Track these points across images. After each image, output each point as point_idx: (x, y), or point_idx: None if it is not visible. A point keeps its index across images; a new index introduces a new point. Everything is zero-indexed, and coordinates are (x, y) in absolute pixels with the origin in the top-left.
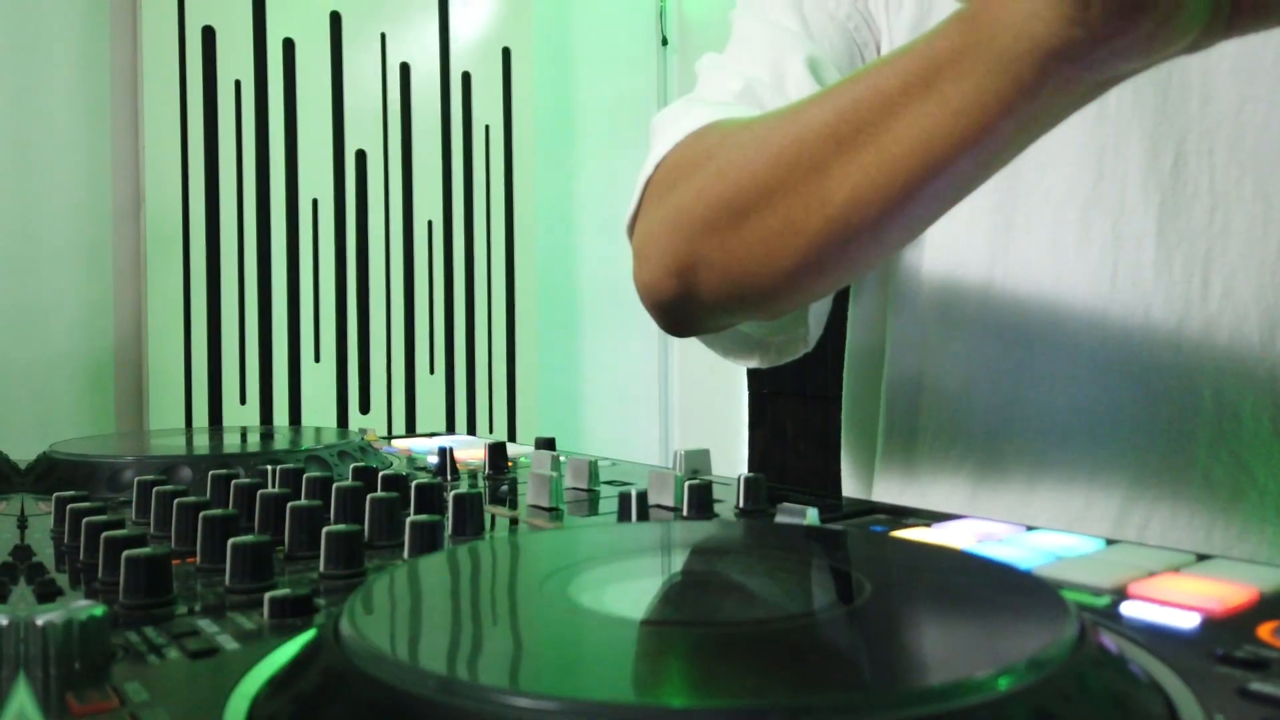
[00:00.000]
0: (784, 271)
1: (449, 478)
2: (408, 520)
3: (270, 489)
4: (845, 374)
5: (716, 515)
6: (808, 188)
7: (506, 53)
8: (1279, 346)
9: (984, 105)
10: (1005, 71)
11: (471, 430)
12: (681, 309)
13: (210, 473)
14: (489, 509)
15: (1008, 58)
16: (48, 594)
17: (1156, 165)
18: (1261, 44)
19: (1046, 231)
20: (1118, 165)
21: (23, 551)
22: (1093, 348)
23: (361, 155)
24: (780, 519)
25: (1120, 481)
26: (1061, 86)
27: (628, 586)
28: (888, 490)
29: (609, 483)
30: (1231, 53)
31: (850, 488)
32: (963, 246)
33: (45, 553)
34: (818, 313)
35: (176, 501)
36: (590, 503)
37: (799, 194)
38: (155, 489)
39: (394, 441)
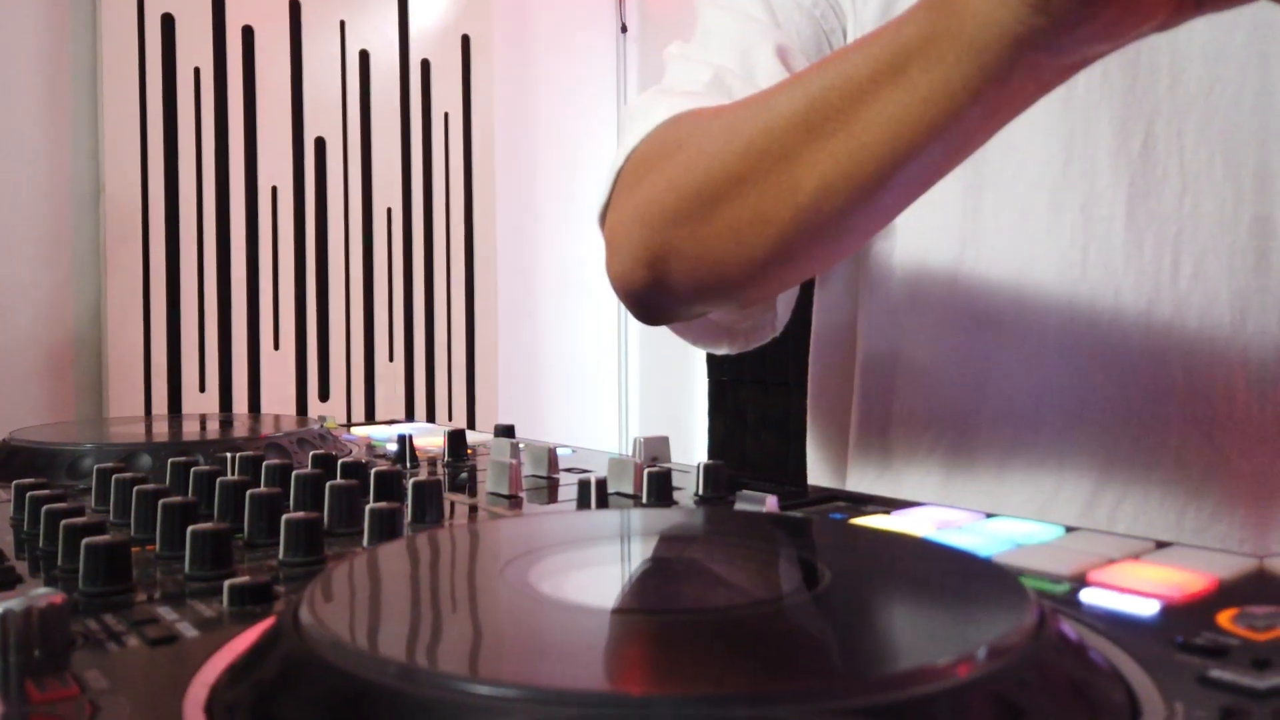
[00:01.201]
0: (755, 261)
1: (408, 465)
2: (367, 508)
3: (229, 476)
4: (811, 360)
5: (676, 503)
6: (778, 176)
7: (466, 40)
8: (1249, 327)
9: (952, 92)
10: (973, 59)
11: (431, 418)
12: (653, 298)
13: (170, 460)
14: (448, 496)
15: (976, 45)
16: (7, 581)
17: (1126, 147)
18: (1231, 25)
19: (1016, 214)
20: (1087, 147)
21: None
22: (1062, 330)
23: (321, 143)
24: (740, 506)
25: (1092, 464)
26: (1029, 72)
27: (587, 574)
28: (863, 475)
29: (568, 470)
30: (1201, 34)
31: (818, 474)
32: (933, 230)
33: (5, 540)
34: (786, 298)
35: (136, 489)
36: (549, 490)
37: (769, 183)
38: (114, 476)
39: (353, 429)
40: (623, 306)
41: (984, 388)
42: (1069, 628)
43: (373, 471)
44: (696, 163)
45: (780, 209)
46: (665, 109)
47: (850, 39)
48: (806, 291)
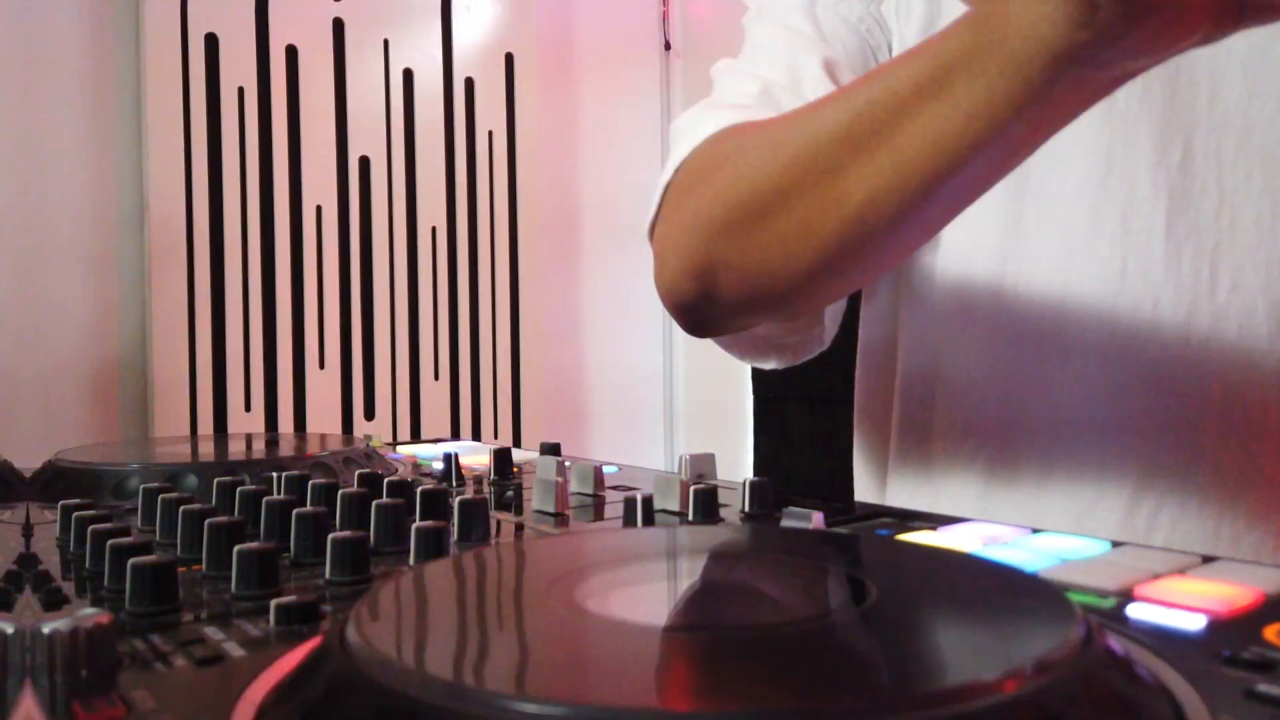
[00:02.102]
0: (802, 273)
1: (454, 484)
2: (413, 526)
3: (276, 496)
4: (857, 372)
5: (722, 520)
6: (823, 189)
7: (509, 58)
8: None
9: (995, 107)
10: (1016, 73)
11: (476, 436)
12: (701, 310)
13: (216, 480)
14: (494, 515)
15: (1018, 60)
16: (54, 602)
17: (1165, 160)
18: (1271, 40)
19: (1056, 227)
20: (1126, 161)
21: (29, 559)
22: (1102, 341)
23: (365, 162)
24: (786, 523)
25: (1130, 473)
26: (1072, 86)
27: (633, 592)
28: (902, 487)
29: (614, 488)
30: (1241, 48)
31: (863, 485)
32: (974, 242)
33: (51, 561)
34: (833, 311)
35: (182, 509)
36: (596, 508)
37: (815, 196)
38: (161, 496)
39: (399, 448)
40: (669, 323)
41: (1024, 399)
42: (1115, 642)
43: (419, 490)
44: (744, 175)
45: (826, 221)
46: (713, 123)
47: (895, 54)
48: (853, 307)
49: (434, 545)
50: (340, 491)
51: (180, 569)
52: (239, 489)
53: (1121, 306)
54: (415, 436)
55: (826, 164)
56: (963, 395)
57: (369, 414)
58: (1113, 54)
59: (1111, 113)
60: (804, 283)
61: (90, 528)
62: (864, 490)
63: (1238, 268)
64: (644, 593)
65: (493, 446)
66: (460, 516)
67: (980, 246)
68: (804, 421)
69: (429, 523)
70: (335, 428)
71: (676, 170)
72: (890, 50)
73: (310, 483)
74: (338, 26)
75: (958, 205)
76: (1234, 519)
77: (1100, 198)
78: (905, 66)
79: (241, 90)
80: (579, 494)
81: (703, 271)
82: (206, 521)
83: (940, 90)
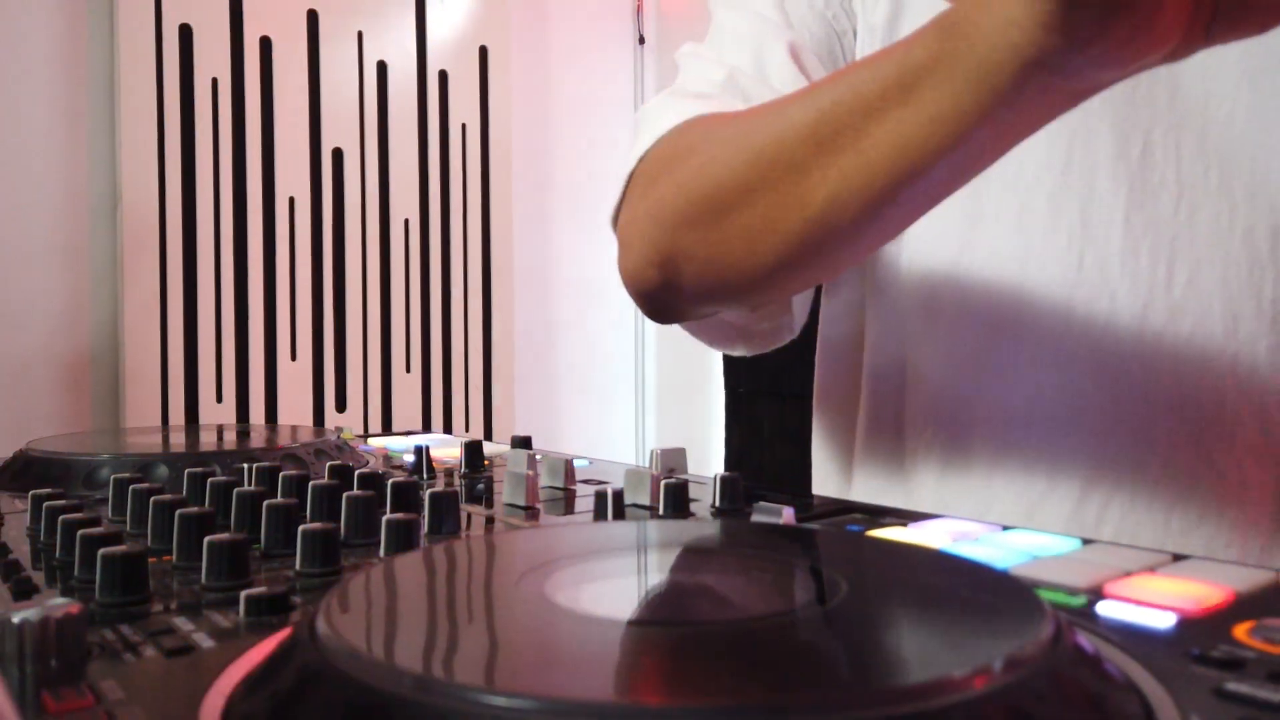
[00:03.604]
0: (763, 266)
1: (425, 476)
2: (384, 519)
3: (246, 487)
4: (818, 368)
5: (693, 514)
6: (787, 187)
7: (484, 51)
8: (1241, 335)
9: (961, 113)
10: (983, 80)
11: (448, 429)
12: (663, 298)
13: (186, 471)
14: (465, 508)
15: (986, 66)
16: (24, 592)
17: (1125, 154)
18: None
19: (1014, 217)
20: (1087, 153)
21: None
22: (1057, 332)
23: (338, 154)
24: (757, 518)
25: (1081, 465)
26: (1038, 95)
27: (603, 586)
28: (867, 480)
29: (585, 481)
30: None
31: (821, 477)
32: (935, 235)
33: (21, 550)
34: (802, 300)
35: (153, 499)
36: (566, 501)
37: (778, 193)
38: (131, 487)
39: (370, 440)
40: (640, 317)
41: (979, 389)
42: (1085, 640)
43: (389, 482)
44: (708, 169)
45: (789, 219)
46: (678, 113)
47: (860, 40)
48: (815, 302)
49: (404, 538)
50: (311, 483)
51: (150, 559)
52: (210, 480)
53: (1077, 298)
54: (386, 429)
55: (790, 162)
56: (924, 387)
57: (340, 406)
58: (1081, 62)
59: (1070, 111)
60: (766, 276)
61: (61, 518)
62: (824, 482)
63: (1195, 263)
64: (614, 587)
65: (464, 439)
66: (431, 509)
67: (941, 238)
68: (775, 416)
69: (400, 515)
70: (307, 419)
71: (641, 159)
72: (855, 36)
73: (281, 474)
74: (312, 18)
75: (920, 208)
76: (1184, 513)
77: (1060, 188)
78: (872, 69)
79: (215, 81)
80: (550, 487)
81: (665, 261)
82: (177, 512)
83: (907, 95)
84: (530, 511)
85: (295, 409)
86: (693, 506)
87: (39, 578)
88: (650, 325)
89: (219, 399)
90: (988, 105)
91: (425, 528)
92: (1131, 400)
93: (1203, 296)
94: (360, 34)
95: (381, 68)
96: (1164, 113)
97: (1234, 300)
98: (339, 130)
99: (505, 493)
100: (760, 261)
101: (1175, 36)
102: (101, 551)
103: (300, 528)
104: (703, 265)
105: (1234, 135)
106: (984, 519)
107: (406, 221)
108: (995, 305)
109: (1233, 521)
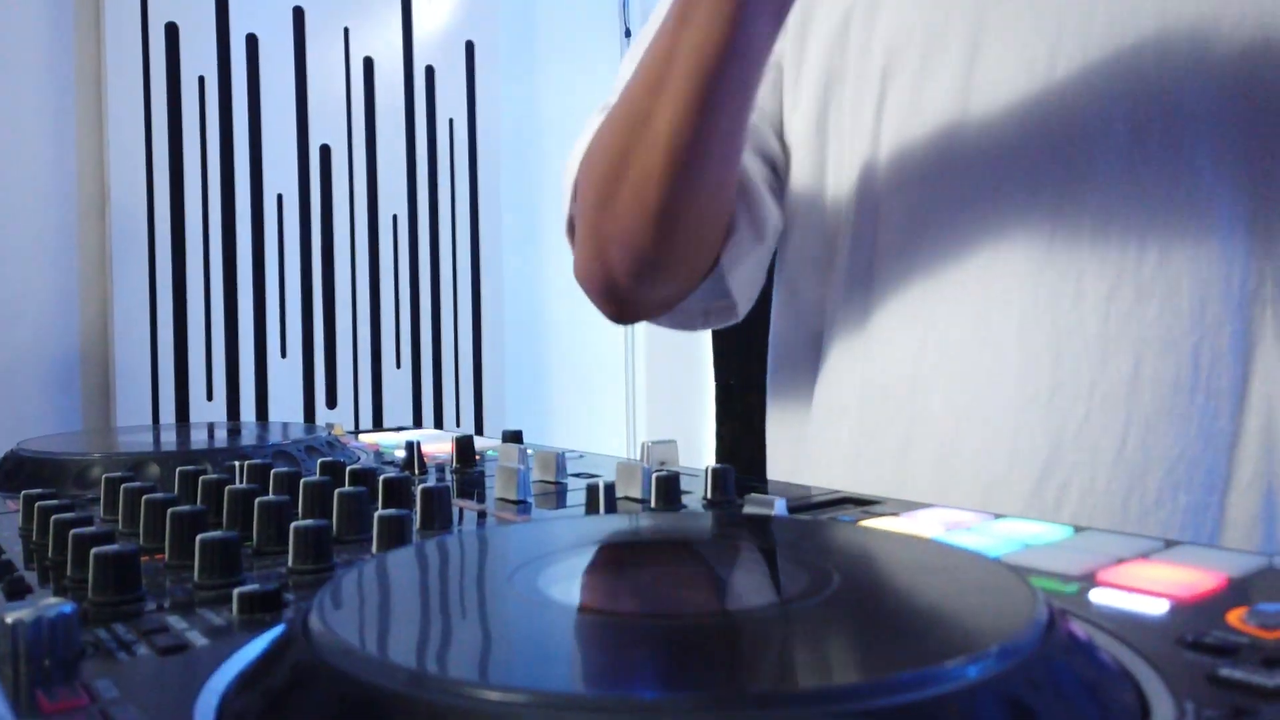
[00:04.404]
0: (654, 218)
1: (416, 472)
2: (376, 515)
3: (238, 485)
4: (770, 361)
5: (684, 507)
6: (644, 136)
7: (470, 46)
8: (1208, 319)
9: (718, 24)
10: (714, 5)
11: (439, 424)
12: (610, 292)
13: (178, 469)
14: (457, 503)
15: None
16: (16, 591)
17: (1110, 131)
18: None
19: (989, 195)
20: (1067, 134)
21: None
22: (1024, 313)
23: (326, 150)
24: (748, 510)
25: (1040, 447)
26: (745, 9)
27: (596, 579)
28: (819, 464)
29: (576, 475)
30: (1190, 15)
31: (779, 458)
32: (905, 210)
33: (13, 550)
34: (740, 282)
35: (144, 498)
36: (558, 495)
37: (641, 144)
38: (123, 486)
39: (361, 436)
40: None
41: (939, 368)
42: (1078, 628)
43: (381, 478)
44: (596, 154)
45: (656, 160)
46: (591, 126)
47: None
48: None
49: (396, 533)
50: (302, 480)
51: (143, 558)
52: (201, 478)
53: (1046, 278)
54: (377, 425)
55: (640, 114)
56: (883, 367)
57: (331, 402)
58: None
59: (1051, 77)
60: (663, 231)
61: (53, 517)
62: (778, 463)
63: (1168, 243)
64: (606, 580)
65: (455, 434)
66: (422, 505)
67: (911, 214)
68: (765, 409)
69: (391, 511)
70: (297, 416)
71: (575, 174)
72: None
73: (272, 471)
74: (298, 15)
75: (736, 105)
76: (1141, 496)
77: (1038, 165)
78: (665, 19)
79: (202, 79)
80: (541, 481)
81: (598, 252)
82: (169, 511)
83: (685, 24)
84: (522, 506)
85: (286, 406)
86: (684, 499)
87: (32, 578)
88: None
89: (209, 397)
90: (728, 14)
91: (417, 523)
92: (1090, 382)
93: (1172, 277)
94: (346, 30)
95: (368, 64)
96: (1153, 83)
97: (1204, 283)
98: (326, 127)
99: (497, 487)
100: (650, 214)
101: None
102: (94, 551)
103: (292, 525)
104: (619, 243)
105: (1216, 110)
106: (942, 502)
107: (395, 217)
108: (962, 281)
109: (1186, 505)
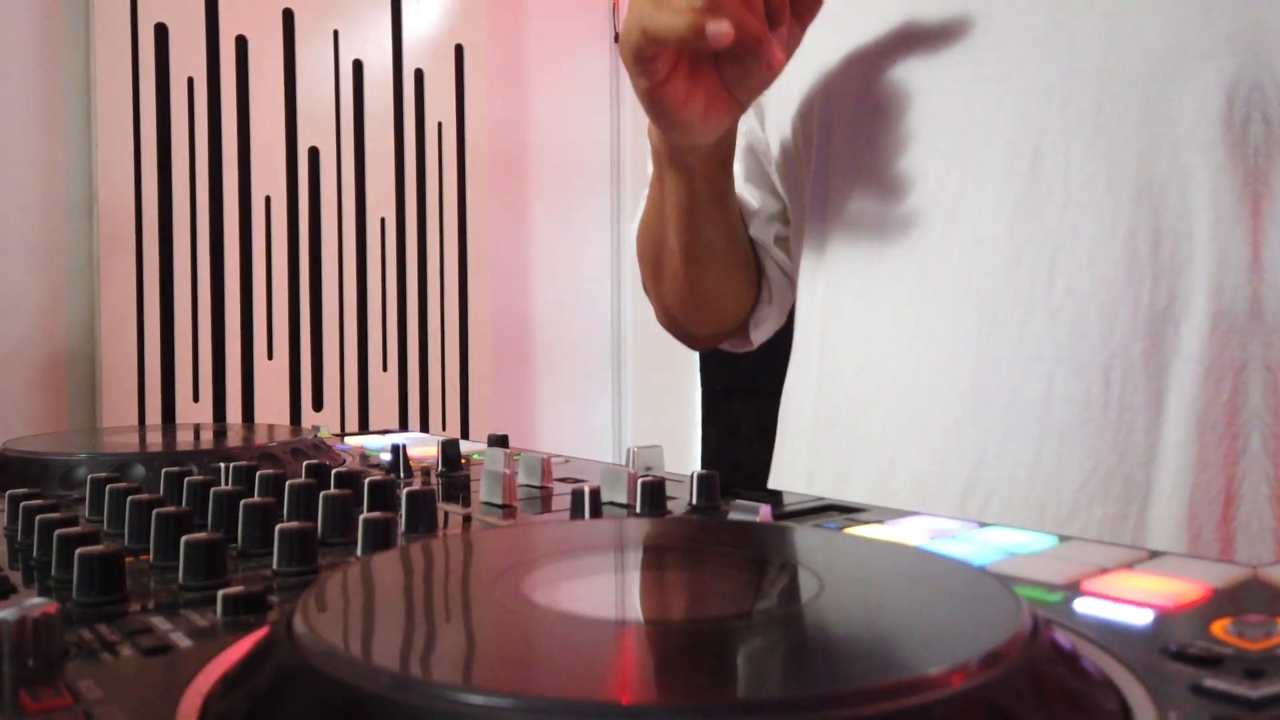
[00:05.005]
0: (684, 299)
1: (402, 475)
2: (361, 518)
3: (223, 486)
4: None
5: (669, 512)
6: (663, 252)
7: (459, 50)
8: (1116, 338)
9: (679, 180)
10: (672, 162)
11: (425, 428)
12: (682, 334)
13: (163, 470)
14: (442, 506)
15: (665, 155)
16: (1, 591)
17: (1014, 167)
18: (1126, 41)
19: (916, 233)
20: (979, 171)
21: None
22: (953, 337)
23: (314, 152)
24: (733, 516)
25: (966, 462)
26: (681, 159)
27: (581, 584)
28: (789, 474)
29: (562, 480)
30: (1095, 54)
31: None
32: (841, 260)
33: None
34: (759, 324)
35: (129, 499)
36: (543, 500)
37: (663, 255)
38: (108, 486)
39: (347, 439)
40: (616, 317)
41: (876, 391)
42: (1062, 637)
43: (366, 481)
44: (640, 251)
45: (671, 264)
46: (640, 207)
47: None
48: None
49: (381, 536)
50: (288, 482)
51: (127, 559)
52: (187, 479)
53: (970, 306)
54: (363, 428)
55: (656, 239)
56: (832, 391)
57: (317, 405)
58: (674, 147)
59: (970, 122)
60: (700, 304)
61: (38, 517)
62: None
63: (1074, 270)
64: (590, 585)
65: (441, 438)
66: (408, 508)
67: (849, 260)
68: (751, 414)
69: (376, 514)
70: (283, 418)
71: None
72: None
73: (258, 473)
74: (287, 17)
75: (713, 228)
76: (1056, 508)
77: (953, 212)
78: (651, 179)
79: (191, 81)
80: (527, 486)
81: (664, 310)
82: (154, 511)
83: (660, 182)
84: (507, 510)
85: (272, 408)
86: (670, 504)
87: (16, 577)
88: (628, 324)
89: (196, 398)
90: (681, 167)
91: (402, 526)
92: (1006, 402)
93: (1080, 302)
94: (336, 33)
95: (357, 66)
96: (1055, 120)
97: (1110, 303)
98: (315, 129)
99: (482, 491)
100: (685, 295)
101: (713, 124)
102: (78, 551)
103: (277, 527)
104: (676, 307)
105: (1124, 136)
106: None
107: (383, 220)
108: (897, 318)
109: (1103, 517)
